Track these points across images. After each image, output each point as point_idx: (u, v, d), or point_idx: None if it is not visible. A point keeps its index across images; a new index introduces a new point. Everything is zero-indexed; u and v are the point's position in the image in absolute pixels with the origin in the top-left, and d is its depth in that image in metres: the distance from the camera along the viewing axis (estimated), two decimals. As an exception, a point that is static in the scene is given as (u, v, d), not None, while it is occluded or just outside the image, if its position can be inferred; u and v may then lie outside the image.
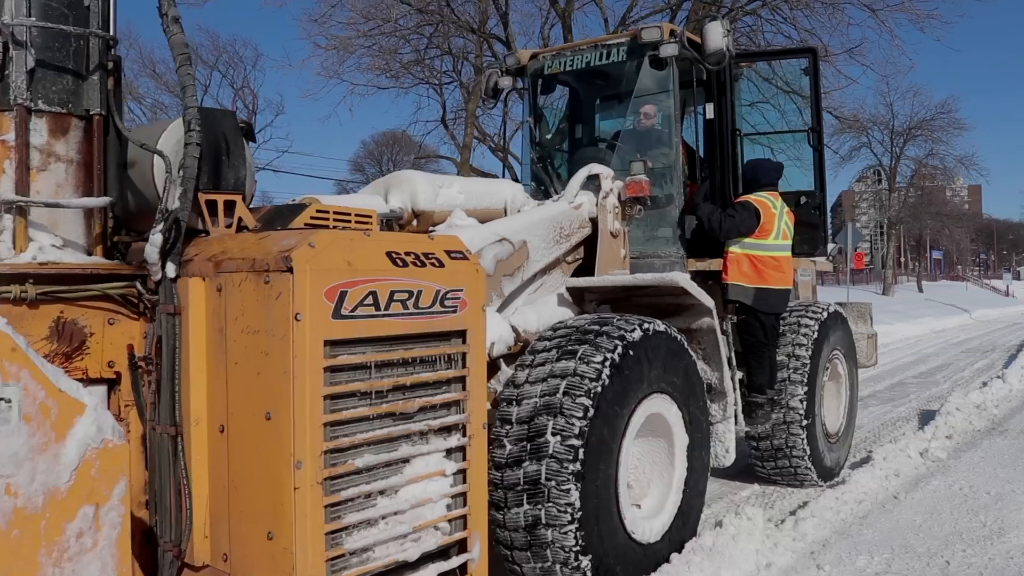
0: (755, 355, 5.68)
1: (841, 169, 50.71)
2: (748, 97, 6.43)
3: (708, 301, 4.55)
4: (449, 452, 2.80)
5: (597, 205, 5.00)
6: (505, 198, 4.99)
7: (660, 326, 4.06)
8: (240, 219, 2.94)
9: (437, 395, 2.73)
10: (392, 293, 2.52)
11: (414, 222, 4.49)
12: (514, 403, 3.72)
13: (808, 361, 5.98)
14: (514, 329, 4.34)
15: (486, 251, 4.25)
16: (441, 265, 2.68)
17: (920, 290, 48.63)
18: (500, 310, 4.52)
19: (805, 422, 5.93)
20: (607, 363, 3.68)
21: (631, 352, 3.81)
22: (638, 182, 4.96)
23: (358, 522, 2.50)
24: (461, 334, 2.79)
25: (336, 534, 2.44)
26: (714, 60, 5.44)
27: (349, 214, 3.07)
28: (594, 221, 5.01)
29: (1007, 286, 57.72)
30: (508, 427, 3.67)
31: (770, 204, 5.69)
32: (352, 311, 2.42)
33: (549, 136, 6.30)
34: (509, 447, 3.62)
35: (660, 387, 4.05)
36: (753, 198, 5.68)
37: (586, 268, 5.07)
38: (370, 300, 2.46)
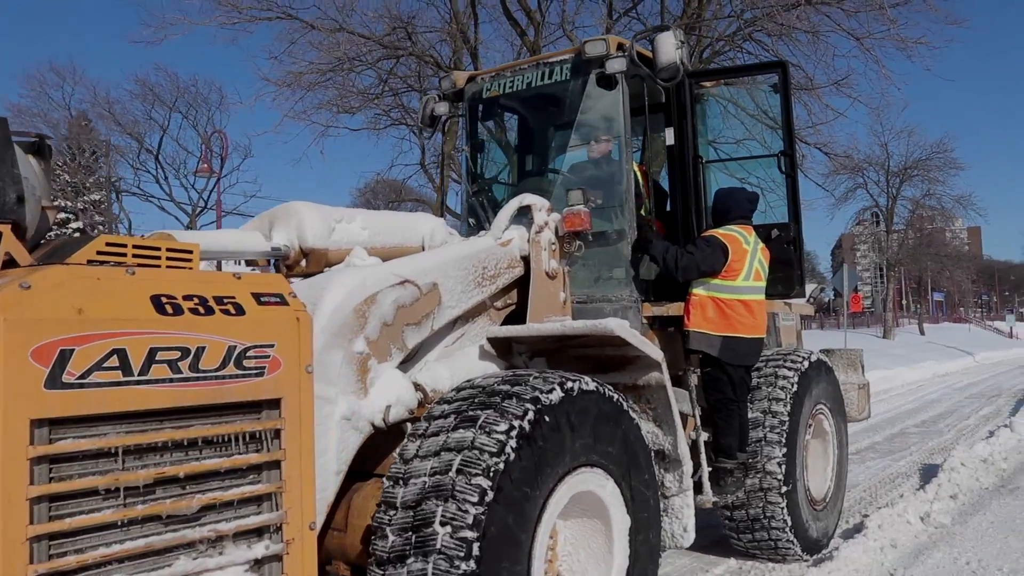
0: (722, 414, 4.93)
1: (838, 211, 50.21)
2: (714, 123, 5.78)
3: (654, 352, 3.82)
4: (257, 564, 2.05)
5: (529, 241, 4.30)
6: (423, 234, 4.29)
7: (588, 384, 3.33)
8: (8, 253, 2.23)
9: (234, 487, 1.99)
10: (153, 351, 1.81)
11: (303, 262, 3.79)
12: (400, 483, 2.98)
13: (787, 418, 5.23)
14: (420, 388, 3.62)
15: (383, 296, 3.54)
16: (239, 312, 1.97)
17: (922, 332, 47.74)
18: (405, 365, 3.80)
19: (784, 488, 5.15)
20: (513, 433, 2.94)
21: (547, 418, 3.07)
22: (576, 213, 4.27)
23: None
24: (273, 404, 2.06)
25: None
26: (667, 75, 4.80)
27: (159, 248, 2.36)
28: (526, 260, 4.31)
29: (1010, 327, 56.84)
30: (392, 513, 2.92)
31: (740, 239, 4.99)
32: (82, 377, 1.71)
33: (487, 167, 5.64)
34: (392, 538, 2.87)
35: (589, 459, 3.30)
36: (720, 232, 4.99)
37: (520, 315, 4.35)
38: (114, 361, 1.75)
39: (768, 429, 5.21)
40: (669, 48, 4.74)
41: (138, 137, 30.06)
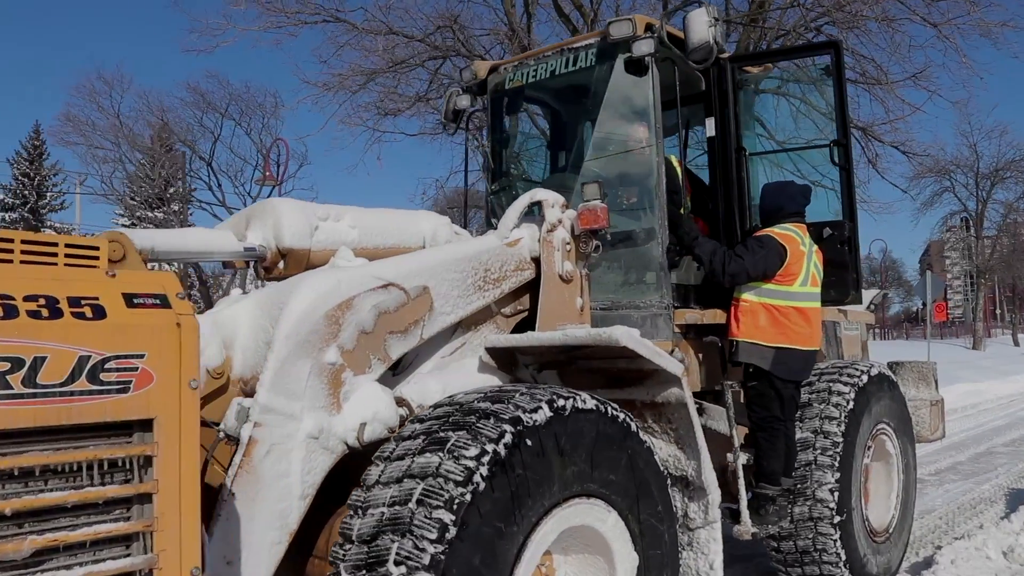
0: (766, 434, 4.41)
1: (923, 215, 47.86)
2: (761, 113, 5.25)
3: (671, 365, 3.36)
4: (123, 622, 1.70)
5: (540, 240, 3.88)
6: (423, 234, 3.92)
7: (585, 402, 2.90)
8: None
9: (86, 526, 1.65)
10: (-28, 363, 1.47)
11: (280, 264, 3.47)
12: (359, 513, 2.61)
13: (841, 439, 4.66)
14: (404, 403, 3.24)
15: (362, 300, 3.19)
16: (97, 315, 1.63)
17: (1016, 343, 45.02)
18: (397, 378, 3.44)
19: (838, 518, 4.58)
20: (484, 459, 2.53)
21: (528, 441, 2.65)
22: (591, 210, 3.83)
23: None
24: (144, 425, 1.71)
25: None
26: (699, 56, 4.33)
27: (56, 244, 2.04)
28: (538, 261, 3.89)
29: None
30: (348, 547, 2.56)
31: (798, 240, 4.48)
32: None
33: (511, 164, 5.24)
34: (345, 577, 2.51)
35: (585, 489, 2.86)
36: (776, 232, 4.48)
37: (534, 322, 3.94)
38: (-82, 376, 1.42)
39: (819, 451, 4.65)
40: (701, 26, 4.27)
41: (190, 144, 30.43)
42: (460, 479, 2.48)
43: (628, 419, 3.07)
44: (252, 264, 3.55)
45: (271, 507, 2.84)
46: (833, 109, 4.83)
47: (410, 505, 2.49)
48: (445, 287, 3.51)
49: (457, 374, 3.49)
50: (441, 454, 2.58)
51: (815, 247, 4.56)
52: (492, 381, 3.53)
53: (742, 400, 4.53)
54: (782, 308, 4.43)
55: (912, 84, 13.55)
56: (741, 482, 4.28)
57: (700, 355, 4.54)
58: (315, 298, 3.07)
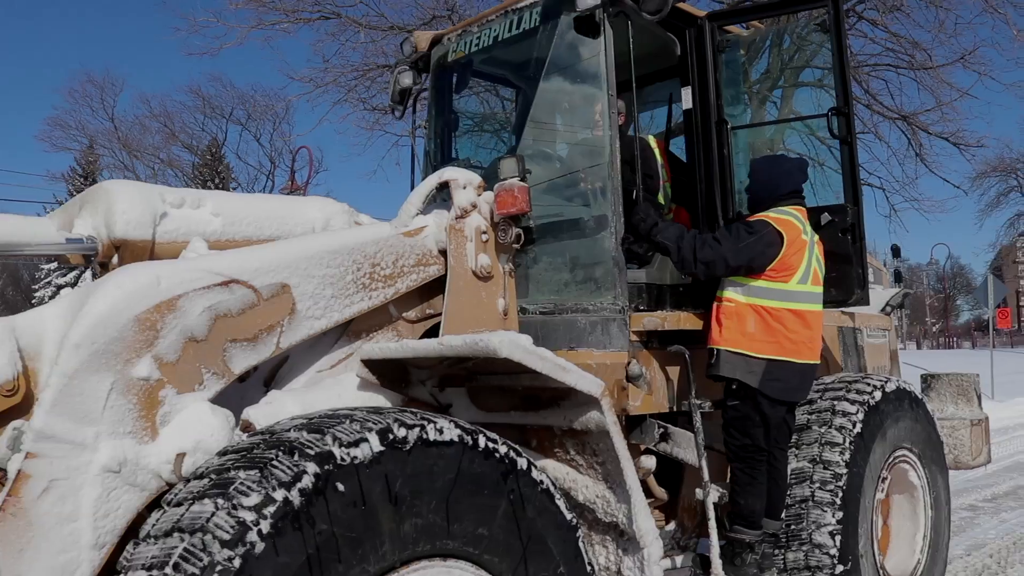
0: (745, 465, 3.61)
1: (988, 217, 45.39)
2: (745, 79, 4.47)
3: (585, 383, 2.62)
4: None
5: (447, 229, 3.20)
6: (312, 224, 3.28)
7: (442, 432, 2.19)
8: None
9: None
10: None
11: (115, 258, 2.85)
12: (123, 573, 1.97)
13: (845, 470, 3.84)
14: (250, 428, 2.60)
15: (191, 301, 2.54)
16: None
17: (1098, 353, 42.20)
18: (245, 397, 2.80)
19: (840, 568, 3.76)
20: (267, 510, 1.86)
21: (340, 486, 1.97)
22: (507, 190, 3.13)
23: None
24: None
25: None
26: (653, 6, 3.59)
27: None
28: (446, 254, 3.21)
29: None
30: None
31: (799, 227, 3.69)
32: None
33: (458, 149, 4.56)
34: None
35: (439, 548, 2.15)
36: (772, 216, 3.69)
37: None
38: None
39: (818, 485, 3.83)
40: (652, -33, 3.54)
41: (192, 148, 30.03)
42: (228, 537, 1.81)
43: (512, 454, 2.35)
44: (90, 260, 2.95)
45: (48, 560, 2.22)
46: (832, 72, 4.03)
47: (166, 571, 1.83)
48: (313, 285, 2.84)
49: (328, 392, 2.82)
50: (219, 501, 1.91)
51: (816, 237, 3.77)
52: (373, 401, 2.86)
53: (723, 420, 3.75)
54: (775, 311, 3.64)
55: (960, 66, 12.40)
56: (711, 524, 3.50)
57: (666, 368, 3.77)
58: (121, 297, 2.44)
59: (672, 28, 4.15)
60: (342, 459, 1.98)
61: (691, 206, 4.36)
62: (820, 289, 3.78)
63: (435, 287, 3.26)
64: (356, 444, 2.02)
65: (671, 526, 4.00)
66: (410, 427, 2.13)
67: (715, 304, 3.75)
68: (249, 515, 1.85)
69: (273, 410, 2.67)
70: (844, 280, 3.94)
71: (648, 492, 3.76)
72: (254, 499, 1.87)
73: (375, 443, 2.05)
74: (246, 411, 2.68)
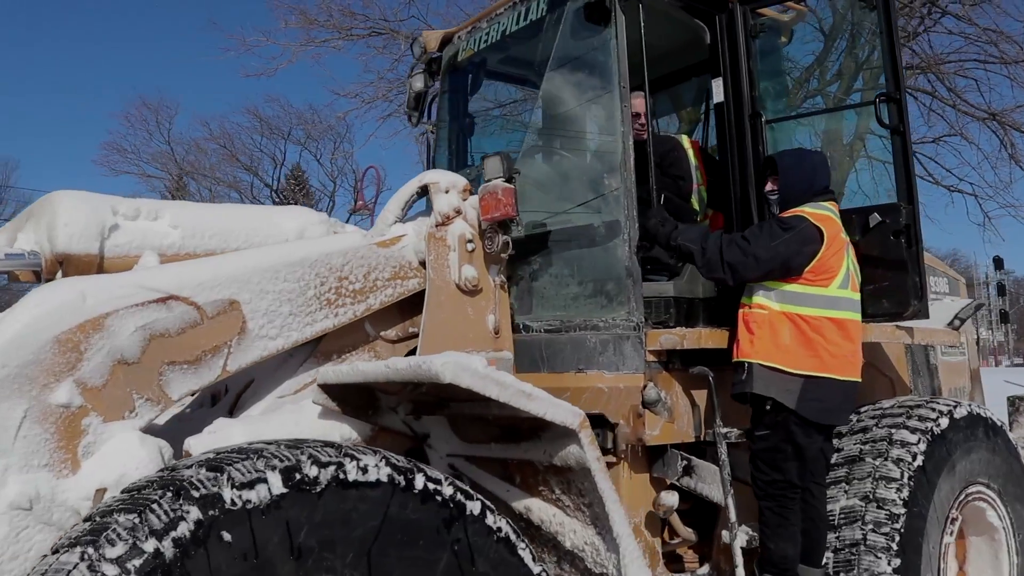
0: (775, 504, 3.14)
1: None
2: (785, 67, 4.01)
3: (559, 412, 2.25)
4: None
5: (426, 238, 2.88)
6: (286, 235, 3.01)
7: (366, 470, 1.87)
8: None
9: None
10: None
11: (59, 272, 2.65)
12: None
13: (903, 510, 3.31)
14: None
15: (121, 319, 2.32)
16: None
17: None
18: (200, 428, 2.54)
19: (899, 623, 3.23)
20: (132, 564, 1.59)
21: (227, 535, 1.66)
22: (491, 193, 2.80)
23: None
24: None
25: None
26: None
27: None
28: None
29: None
30: None
31: (838, 224, 3.25)
32: None
33: (470, 151, 4.25)
34: None
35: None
36: (808, 211, 3.23)
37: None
38: None
39: (871, 527, 3.31)
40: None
41: (253, 171, 30.16)
42: (80, 598, 1.53)
43: (460, 496, 2.00)
44: (40, 276, 2.76)
45: (-53, 612, 2.01)
46: (881, 57, 3.54)
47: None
48: (268, 301, 2.58)
49: (283, 420, 2.54)
50: (87, 551, 1.64)
51: (848, 239, 3.30)
52: (334, 431, 2.55)
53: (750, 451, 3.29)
54: (814, 319, 3.15)
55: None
56: (739, 571, 3.05)
57: (691, 393, 3.35)
58: (40, 316, 2.23)
59: (700, 14, 3.76)
60: (232, 503, 1.68)
61: (726, 209, 3.92)
62: (859, 296, 3.29)
63: (418, 303, 2.95)
64: (251, 485, 1.71)
65: (704, 569, 3.54)
66: (324, 465, 1.81)
67: (742, 312, 3.28)
68: (111, 569, 1.56)
69: (216, 440, 2.41)
70: (898, 290, 3.42)
71: (673, 532, 3.34)
72: (119, 550, 1.59)
73: (276, 484, 1.74)
74: (187, 441, 2.42)
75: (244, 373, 2.68)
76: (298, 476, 1.77)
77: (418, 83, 4.31)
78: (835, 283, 3.20)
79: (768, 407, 3.18)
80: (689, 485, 3.26)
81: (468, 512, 2.00)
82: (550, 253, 3.33)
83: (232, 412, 2.80)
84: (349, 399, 2.59)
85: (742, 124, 3.70)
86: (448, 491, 1.98)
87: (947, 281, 4.98)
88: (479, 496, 2.05)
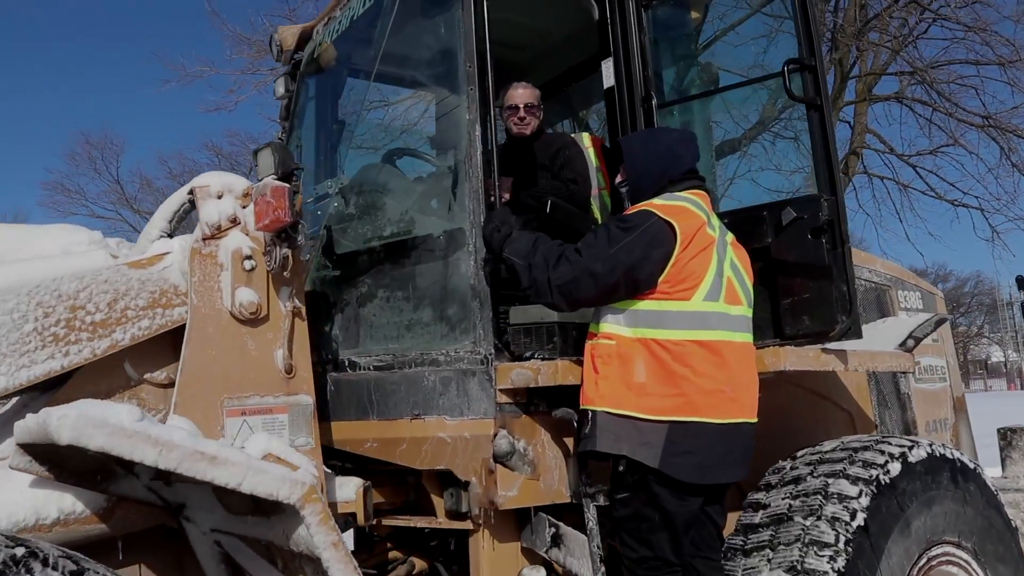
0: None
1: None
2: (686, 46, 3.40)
3: (265, 482, 1.62)
4: None
5: (189, 254, 2.30)
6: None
7: None
8: None
9: None
10: None
11: None
12: None
13: (837, 582, 2.60)
14: None
15: None
16: None
17: None
18: None
19: None
20: None
21: None
22: (262, 196, 2.21)
23: None
24: None
25: None
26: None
27: None
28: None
29: None
30: None
31: (699, 216, 2.51)
32: None
33: (340, 159, 3.67)
34: None
35: None
36: (657, 203, 2.51)
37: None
38: None
39: (795, 607, 2.61)
40: None
41: None
42: None
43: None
44: None
45: None
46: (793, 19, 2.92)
47: None
48: (-49, 340, 2.00)
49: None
50: None
51: (731, 237, 2.62)
52: (47, 502, 1.96)
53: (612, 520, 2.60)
54: (676, 346, 2.41)
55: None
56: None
57: (563, 441, 2.69)
58: None
59: (585, -14, 3.20)
60: None
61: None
62: (743, 311, 2.57)
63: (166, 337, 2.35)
64: None
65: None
66: None
67: (588, 345, 2.56)
68: None
69: None
70: (822, 304, 2.74)
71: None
72: None
73: None
74: None
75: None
76: None
77: (280, 88, 3.78)
78: (699, 294, 2.43)
79: (621, 467, 2.45)
80: (557, 559, 2.60)
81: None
82: (382, 272, 2.74)
83: None
84: (69, 461, 2.00)
85: (633, 110, 3.09)
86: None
87: (920, 295, 4.28)
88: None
